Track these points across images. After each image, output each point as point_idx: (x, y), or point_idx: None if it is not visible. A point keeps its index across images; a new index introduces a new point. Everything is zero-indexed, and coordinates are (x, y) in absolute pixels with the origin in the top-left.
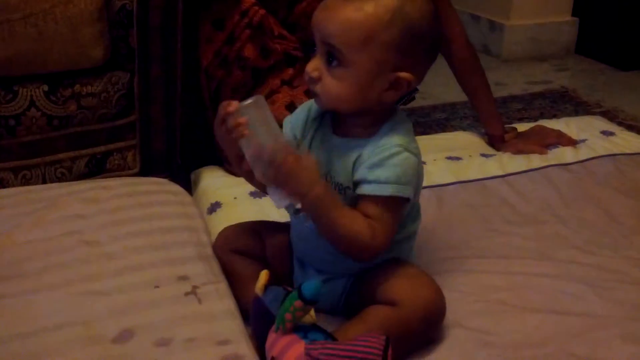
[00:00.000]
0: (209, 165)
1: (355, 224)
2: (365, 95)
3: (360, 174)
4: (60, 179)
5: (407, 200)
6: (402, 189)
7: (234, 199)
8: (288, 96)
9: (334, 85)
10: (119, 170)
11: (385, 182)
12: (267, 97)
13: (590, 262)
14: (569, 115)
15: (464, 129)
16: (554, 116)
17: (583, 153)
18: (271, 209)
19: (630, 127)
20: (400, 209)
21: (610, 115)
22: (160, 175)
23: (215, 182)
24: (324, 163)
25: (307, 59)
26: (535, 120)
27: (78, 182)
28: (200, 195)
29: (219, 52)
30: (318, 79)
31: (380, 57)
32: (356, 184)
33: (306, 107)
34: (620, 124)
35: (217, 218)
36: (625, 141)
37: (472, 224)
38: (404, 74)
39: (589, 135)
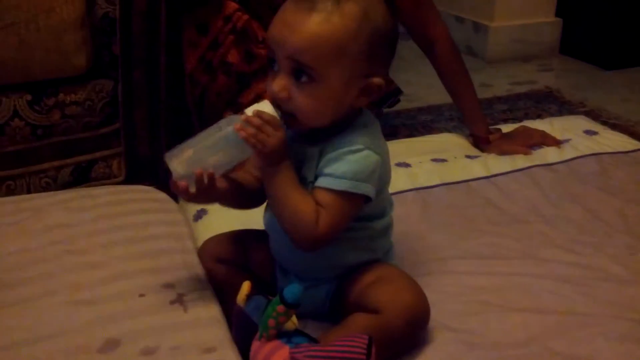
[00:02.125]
0: None
1: (303, 205)
2: (339, 106)
3: (319, 167)
4: (45, 188)
5: (363, 197)
6: (358, 185)
7: (220, 206)
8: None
9: (308, 103)
10: (104, 179)
11: (341, 177)
12: (252, 102)
13: (573, 261)
14: (553, 115)
15: (449, 131)
16: (539, 116)
17: (567, 153)
18: (257, 217)
19: (613, 126)
20: (354, 205)
21: (593, 114)
22: (146, 182)
23: None
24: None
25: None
26: (520, 120)
27: (63, 191)
28: (186, 202)
29: (202, 57)
30: (287, 99)
31: (351, 67)
32: (316, 177)
33: None
34: (604, 123)
35: (203, 225)
36: (608, 140)
37: (457, 225)
38: (375, 80)
39: (573, 135)
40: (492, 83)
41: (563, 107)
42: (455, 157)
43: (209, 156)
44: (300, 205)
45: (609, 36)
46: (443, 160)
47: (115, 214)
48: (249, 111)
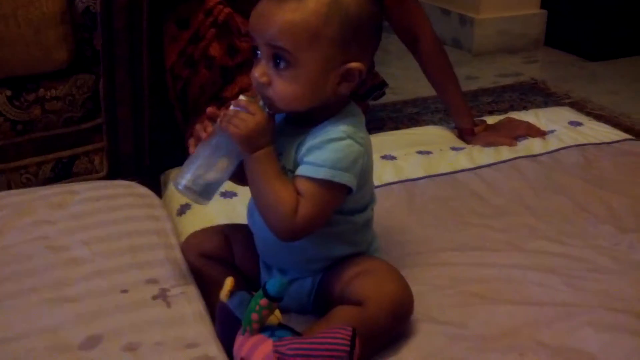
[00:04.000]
0: (177, 166)
1: (282, 193)
2: (318, 91)
3: (299, 155)
4: (26, 184)
5: (344, 187)
6: (338, 174)
7: None
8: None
9: (286, 87)
10: (86, 174)
11: (321, 165)
12: (237, 96)
13: (559, 252)
14: (539, 106)
15: (435, 123)
16: (524, 108)
17: (552, 144)
18: (242, 210)
19: (598, 117)
20: (335, 195)
21: (578, 105)
22: (129, 178)
23: None
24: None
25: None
26: (506, 112)
27: (44, 187)
28: (169, 197)
29: (183, 51)
30: (268, 84)
31: (327, 52)
32: (296, 165)
33: None
34: (588, 114)
35: (187, 220)
36: (592, 131)
37: (443, 217)
38: (353, 64)
39: (558, 126)
40: (478, 75)
41: (548, 98)
42: (441, 150)
43: (214, 163)
44: (280, 193)
45: (594, 28)
46: (428, 153)
47: (98, 209)
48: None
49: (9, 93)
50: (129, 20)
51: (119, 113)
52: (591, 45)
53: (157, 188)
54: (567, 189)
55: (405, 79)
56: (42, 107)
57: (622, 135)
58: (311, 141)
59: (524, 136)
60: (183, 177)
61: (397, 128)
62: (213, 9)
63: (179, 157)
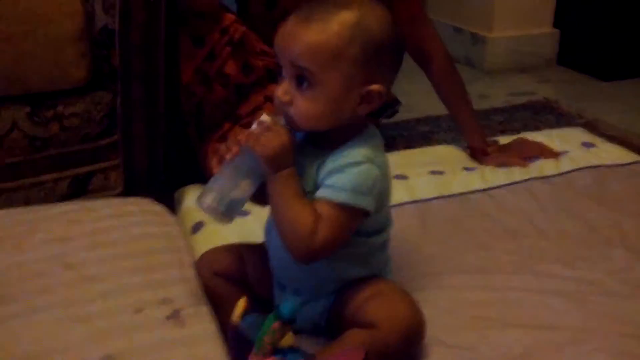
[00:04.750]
0: (191, 183)
1: (302, 215)
2: (338, 112)
3: (319, 178)
4: (43, 200)
5: (363, 211)
6: (358, 198)
7: None
8: (272, 112)
9: (307, 106)
10: (102, 191)
11: (341, 189)
12: (251, 114)
13: (571, 276)
14: (551, 126)
15: (448, 142)
16: (536, 128)
17: (564, 165)
18: (255, 229)
19: (611, 138)
20: (354, 218)
21: (591, 126)
22: (144, 194)
23: None
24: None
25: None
26: (518, 132)
27: (60, 203)
28: (183, 214)
29: (199, 69)
30: (289, 103)
31: (348, 74)
32: (316, 188)
33: None
34: (601, 135)
35: (201, 238)
36: (605, 152)
37: (455, 238)
38: (374, 86)
39: (570, 147)
40: (490, 94)
41: (561, 118)
42: (453, 170)
43: (238, 183)
44: (300, 214)
45: (607, 47)
46: (441, 173)
47: (113, 227)
48: (254, 125)
49: (28, 109)
50: (145, 37)
51: (134, 130)
52: (604, 65)
53: (172, 205)
54: (580, 212)
55: (417, 96)
56: (60, 124)
57: (636, 157)
58: (331, 164)
59: (537, 157)
60: (207, 197)
61: (409, 147)
62: (229, 27)
63: (193, 174)
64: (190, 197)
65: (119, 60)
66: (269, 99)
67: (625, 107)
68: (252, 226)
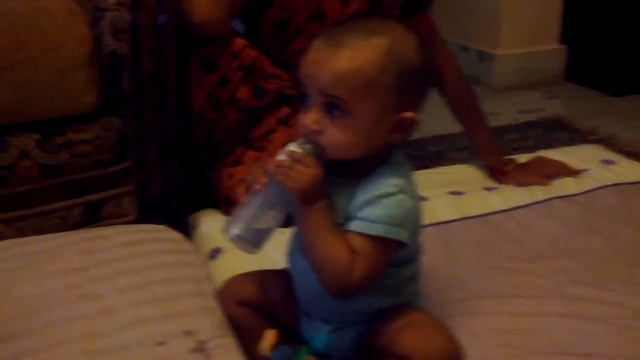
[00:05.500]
0: (205, 207)
1: (338, 250)
2: (371, 140)
3: (352, 210)
4: (56, 229)
5: (398, 242)
6: (393, 230)
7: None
8: (285, 135)
9: (339, 135)
10: (116, 217)
11: (376, 221)
12: (263, 137)
13: (603, 299)
14: (564, 143)
15: (461, 161)
16: (549, 145)
17: (586, 183)
18: (274, 255)
19: (628, 154)
20: (389, 251)
21: (606, 142)
22: (158, 220)
23: (214, 226)
24: None
25: (301, 96)
26: (531, 149)
27: (74, 232)
28: (200, 240)
29: (210, 94)
30: (319, 132)
31: (382, 102)
32: (347, 220)
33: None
34: (618, 151)
35: (219, 264)
36: (626, 169)
37: (479, 262)
38: (407, 114)
39: (590, 165)
40: (499, 112)
41: (573, 135)
42: (473, 190)
43: (266, 213)
44: (335, 250)
45: (617, 62)
46: (460, 193)
47: (129, 255)
48: (281, 155)
49: (37, 137)
50: (156, 63)
51: (147, 156)
52: (614, 80)
53: (186, 230)
54: (605, 232)
55: (427, 115)
56: (70, 151)
57: None
58: (363, 195)
59: (557, 175)
60: (235, 226)
61: (422, 166)
62: (240, 52)
63: (206, 200)
64: (205, 222)
65: (129, 86)
66: (282, 121)
67: (637, 122)
68: (271, 252)
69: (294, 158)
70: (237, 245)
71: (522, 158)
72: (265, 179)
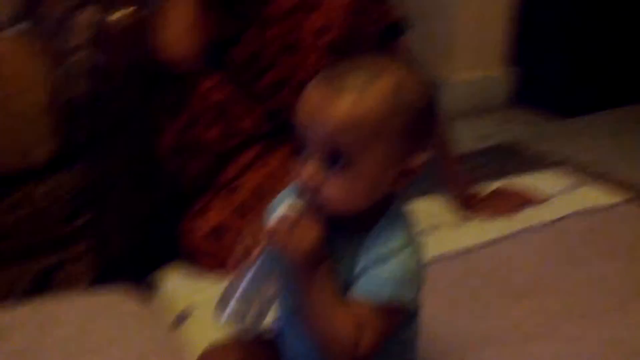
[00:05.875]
0: (167, 263)
1: (343, 321)
2: (376, 192)
3: (356, 268)
4: (3, 297)
5: (406, 307)
6: (403, 291)
7: (205, 304)
8: (258, 177)
9: (341, 190)
10: (71, 282)
11: (384, 285)
12: (234, 180)
13: (602, 334)
14: (520, 169)
15: (423, 193)
16: (507, 172)
17: (554, 211)
18: None
19: (589, 176)
20: (397, 316)
21: (565, 165)
22: (120, 280)
23: (181, 285)
24: None
25: (274, 132)
26: (487, 177)
27: (24, 303)
28: (165, 302)
29: (177, 138)
30: (319, 187)
31: (389, 149)
32: (349, 280)
33: (289, 191)
34: (578, 173)
35: (189, 329)
36: (590, 193)
37: (464, 302)
38: (414, 161)
39: (554, 191)
40: (455, 139)
41: (530, 159)
42: (445, 225)
43: (261, 288)
44: (341, 323)
45: (567, 83)
46: (432, 229)
47: (91, 331)
48: (272, 220)
49: None
50: (121, 106)
51: (107, 210)
52: (565, 101)
53: (150, 296)
54: (584, 261)
55: None
56: (21, 208)
57: (621, 195)
58: (369, 254)
59: (525, 205)
60: (228, 309)
61: None
62: (212, 89)
63: (169, 256)
64: (171, 281)
65: (90, 133)
66: (253, 162)
67: (591, 143)
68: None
69: (290, 222)
70: (235, 327)
71: (485, 188)
72: (258, 250)
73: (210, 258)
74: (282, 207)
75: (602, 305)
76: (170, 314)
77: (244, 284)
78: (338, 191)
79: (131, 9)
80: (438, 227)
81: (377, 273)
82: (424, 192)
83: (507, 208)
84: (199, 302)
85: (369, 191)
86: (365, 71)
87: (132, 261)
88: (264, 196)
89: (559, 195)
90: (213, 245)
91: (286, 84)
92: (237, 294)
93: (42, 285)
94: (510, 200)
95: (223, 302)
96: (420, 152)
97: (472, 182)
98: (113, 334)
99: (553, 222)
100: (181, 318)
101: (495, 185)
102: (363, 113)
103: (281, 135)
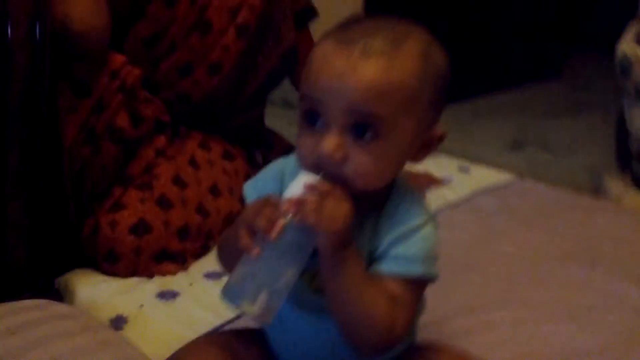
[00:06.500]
0: (70, 269)
1: (377, 303)
2: (402, 165)
3: (377, 246)
4: None
5: (432, 281)
6: (432, 267)
7: (140, 308)
8: (171, 169)
9: (371, 163)
10: None
11: (414, 261)
12: (144, 173)
13: (556, 298)
14: None
15: None
16: None
17: (459, 191)
18: (195, 313)
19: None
20: (423, 290)
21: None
22: (27, 294)
23: (101, 291)
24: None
25: (174, 123)
26: None
27: None
28: (90, 310)
29: (84, 124)
30: (343, 160)
31: (420, 118)
32: (374, 259)
33: (276, 169)
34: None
35: (129, 335)
36: (482, 173)
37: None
38: (437, 131)
39: (450, 173)
40: None
41: None
42: None
43: (281, 272)
44: (375, 304)
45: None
46: None
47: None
48: (293, 190)
49: None
50: (27, 87)
51: (9, 210)
52: None
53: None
54: (508, 234)
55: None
56: None
57: (506, 176)
58: (392, 231)
59: (429, 186)
60: (243, 292)
61: None
62: (120, 70)
63: (72, 259)
64: (84, 288)
65: None
66: (161, 152)
67: (460, 128)
68: (188, 309)
69: (321, 192)
70: (246, 314)
71: None
72: (279, 227)
73: (129, 256)
74: (297, 182)
75: (542, 271)
76: (102, 320)
77: (260, 264)
78: (366, 164)
79: None
80: None
81: (405, 251)
82: None
83: (416, 188)
84: (130, 306)
85: (397, 164)
86: (389, 33)
87: (39, 270)
88: (187, 185)
89: (455, 176)
90: (135, 242)
91: (196, 66)
92: (254, 274)
93: None
94: (417, 181)
95: (236, 283)
96: (437, 121)
97: None
98: (55, 331)
99: (463, 201)
100: (117, 323)
101: None
102: (396, 79)
103: (191, 121)
